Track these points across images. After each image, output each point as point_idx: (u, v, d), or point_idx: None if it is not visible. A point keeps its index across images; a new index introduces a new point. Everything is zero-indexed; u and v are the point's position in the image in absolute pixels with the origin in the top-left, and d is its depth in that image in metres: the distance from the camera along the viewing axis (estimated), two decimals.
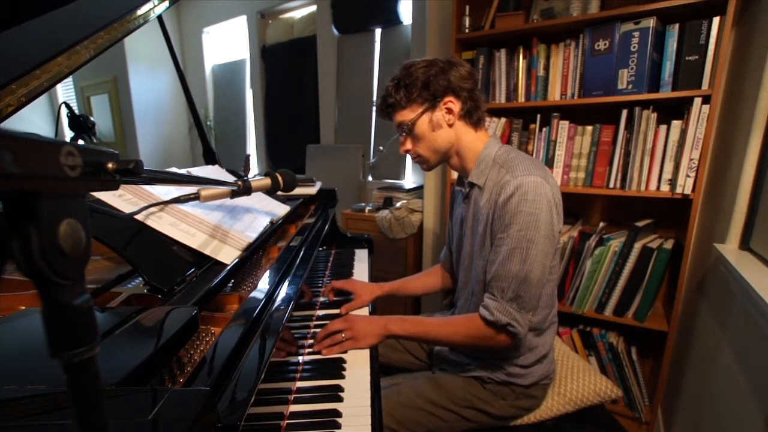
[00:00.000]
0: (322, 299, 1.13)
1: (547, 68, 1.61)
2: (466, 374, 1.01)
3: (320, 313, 1.06)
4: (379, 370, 0.84)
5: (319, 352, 0.88)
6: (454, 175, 1.80)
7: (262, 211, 1.06)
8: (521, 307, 0.86)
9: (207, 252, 0.75)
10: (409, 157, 1.06)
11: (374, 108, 2.80)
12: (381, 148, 2.29)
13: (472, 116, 0.96)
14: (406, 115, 0.96)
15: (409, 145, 1.00)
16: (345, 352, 0.89)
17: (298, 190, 0.99)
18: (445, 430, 0.98)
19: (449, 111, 0.94)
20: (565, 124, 1.57)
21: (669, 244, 1.43)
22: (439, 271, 1.29)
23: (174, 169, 0.88)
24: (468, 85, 0.94)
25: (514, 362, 0.98)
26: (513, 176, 0.87)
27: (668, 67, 1.36)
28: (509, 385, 0.98)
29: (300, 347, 0.90)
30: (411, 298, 2.22)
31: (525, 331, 0.88)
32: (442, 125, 0.95)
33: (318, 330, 0.96)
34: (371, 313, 1.10)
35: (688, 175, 1.34)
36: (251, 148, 3.70)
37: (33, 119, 4.28)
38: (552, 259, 0.91)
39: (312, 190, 1.46)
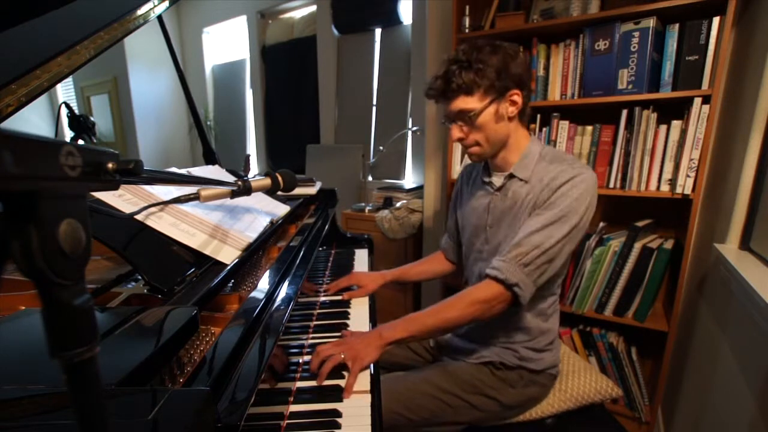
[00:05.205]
0: (322, 299, 1.13)
1: (547, 68, 1.61)
2: (476, 361, 1.00)
3: (320, 312, 1.06)
4: (383, 368, 0.84)
5: (318, 352, 0.87)
6: (455, 174, 1.81)
7: (262, 211, 1.06)
8: (529, 274, 0.86)
9: (207, 252, 0.75)
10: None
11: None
12: (381, 148, 2.30)
13: (526, 112, 0.96)
14: (470, 103, 0.89)
15: (463, 134, 0.94)
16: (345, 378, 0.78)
17: (298, 190, 0.99)
18: (450, 416, 0.96)
19: (513, 103, 0.91)
20: (565, 124, 1.57)
21: (669, 244, 1.43)
22: (440, 257, 1.28)
23: (174, 169, 0.88)
24: (528, 76, 0.92)
25: (527, 345, 0.97)
26: (572, 167, 0.90)
27: (668, 67, 1.36)
28: (520, 370, 0.98)
29: (299, 348, 0.90)
30: (411, 293, 2.22)
31: (527, 298, 0.86)
32: (504, 117, 0.91)
33: (318, 329, 0.96)
34: (371, 303, 1.10)
35: (688, 175, 1.34)
36: (251, 148, 3.70)
37: (33, 119, 4.28)
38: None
39: (312, 190, 1.46)
